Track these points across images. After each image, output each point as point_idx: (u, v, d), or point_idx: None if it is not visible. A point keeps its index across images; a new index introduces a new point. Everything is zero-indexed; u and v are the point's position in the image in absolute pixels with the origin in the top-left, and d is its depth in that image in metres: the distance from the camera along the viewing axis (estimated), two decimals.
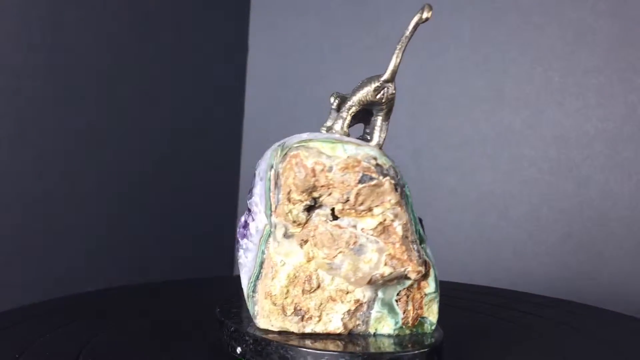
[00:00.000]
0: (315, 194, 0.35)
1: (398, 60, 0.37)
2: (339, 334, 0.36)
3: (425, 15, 0.36)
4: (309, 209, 0.35)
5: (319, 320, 0.36)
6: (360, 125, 0.40)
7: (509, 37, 0.81)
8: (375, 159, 0.35)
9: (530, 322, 0.49)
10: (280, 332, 0.36)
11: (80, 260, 0.72)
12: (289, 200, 0.35)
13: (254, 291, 0.37)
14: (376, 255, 0.35)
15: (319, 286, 0.36)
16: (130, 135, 0.78)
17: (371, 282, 0.35)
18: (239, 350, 0.36)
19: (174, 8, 0.84)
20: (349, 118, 0.37)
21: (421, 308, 0.37)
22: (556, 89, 0.79)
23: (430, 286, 0.37)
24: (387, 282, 0.36)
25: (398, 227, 0.35)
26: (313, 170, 0.34)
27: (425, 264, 0.36)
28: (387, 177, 0.34)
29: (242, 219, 0.39)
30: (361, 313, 0.36)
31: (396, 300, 0.37)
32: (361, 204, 0.34)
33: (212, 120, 0.92)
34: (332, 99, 0.38)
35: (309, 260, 0.36)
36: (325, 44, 0.92)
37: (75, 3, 0.70)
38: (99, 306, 0.50)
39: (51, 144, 0.68)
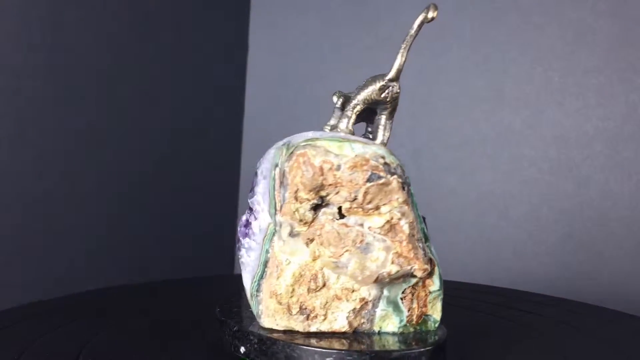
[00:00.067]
0: (323, 193, 0.35)
1: (403, 59, 0.37)
2: (344, 333, 0.36)
3: (430, 14, 0.36)
4: (315, 208, 0.35)
5: (324, 319, 0.36)
6: (362, 124, 0.40)
7: (509, 37, 0.81)
8: (383, 157, 0.35)
9: (530, 321, 0.49)
10: (285, 331, 0.36)
11: (80, 260, 0.72)
12: (295, 198, 0.35)
13: (257, 290, 0.36)
14: (383, 253, 0.35)
15: (324, 285, 0.36)
16: (130, 135, 0.78)
17: (378, 281, 0.35)
18: (242, 349, 0.35)
19: (174, 8, 0.83)
20: (354, 117, 0.37)
21: (425, 306, 0.37)
22: (556, 89, 0.79)
23: (435, 284, 0.37)
24: (393, 280, 0.36)
25: (405, 226, 0.35)
26: (321, 168, 0.34)
27: (430, 261, 0.36)
28: (395, 176, 0.34)
29: (244, 217, 0.38)
30: (366, 311, 0.36)
31: (401, 298, 0.37)
32: (369, 202, 0.34)
33: (212, 120, 0.91)
34: (335, 98, 0.38)
35: (314, 259, 0.35)
36: (325, 43, 0.92)
37: (75, 3, 0.69)
38: (99, 305, 0.50)
39: (51, 144, 0.68)
